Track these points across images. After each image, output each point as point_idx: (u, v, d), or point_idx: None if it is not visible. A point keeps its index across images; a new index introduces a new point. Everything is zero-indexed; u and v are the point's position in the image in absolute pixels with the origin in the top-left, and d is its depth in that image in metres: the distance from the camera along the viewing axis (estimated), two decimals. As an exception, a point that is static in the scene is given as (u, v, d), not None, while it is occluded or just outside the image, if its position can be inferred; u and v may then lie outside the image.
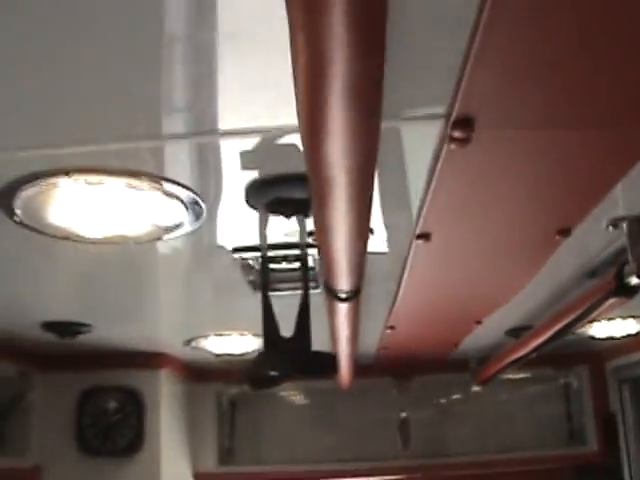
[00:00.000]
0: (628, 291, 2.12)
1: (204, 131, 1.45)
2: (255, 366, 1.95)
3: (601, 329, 3.59)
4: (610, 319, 3.44)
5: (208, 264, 2.36)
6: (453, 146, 1.37)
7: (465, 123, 1.31)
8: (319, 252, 1.68)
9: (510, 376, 4.45)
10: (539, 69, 1.18)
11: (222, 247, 2.13)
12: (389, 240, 2.11)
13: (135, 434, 3.98)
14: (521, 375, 4.60)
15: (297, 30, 0.80)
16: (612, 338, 3.71)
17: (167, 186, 1.62)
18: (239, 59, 1.22)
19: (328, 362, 2.12)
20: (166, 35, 1.15)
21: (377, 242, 2.08)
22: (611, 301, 2.24)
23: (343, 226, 1.33)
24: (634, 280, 2.04)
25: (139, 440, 3.97)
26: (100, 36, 1.12)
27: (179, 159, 1.55)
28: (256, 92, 1.30)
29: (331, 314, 2.11)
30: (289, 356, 1.87)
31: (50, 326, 3.11)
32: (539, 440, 4.68)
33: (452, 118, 1.31)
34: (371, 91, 0.92)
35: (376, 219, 1.91)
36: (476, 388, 4.51)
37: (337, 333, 2.35)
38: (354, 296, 1.92)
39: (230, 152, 1.52)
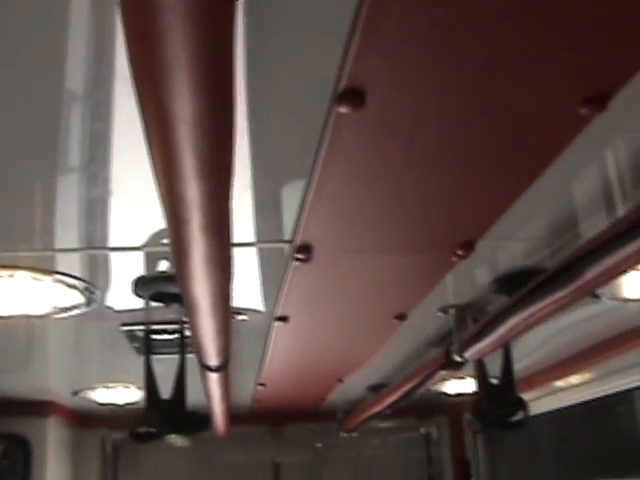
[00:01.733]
0: (455, 365, 2.53)
1: (95, 247, 1.78)
2: (137, 423, 2.29)
3: (452, 386, 4.02)
4: (460, 378, 3.84)
5: (98, 333, 2.64)
6: (297, 263, 1.75)
7: (305, 249, 1.69)
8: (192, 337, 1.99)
9: (380, 424, 4.84)
10: (363, 214, 1.56)
11: (112, 321, 2.42)
12: (255, 319, 2.44)
13: (22, 480, 4.05)
14: (389, 423, 4.96)
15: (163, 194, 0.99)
16: (462, 394, 4.10)
17: (66, 279, 1.94)
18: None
19: (202, 421, 2.47)
20: (61, 185, 1.46)
21: (245, 318, 2.42)
22: (443, 372, 2.66)
23: (209, 327, 1.66)
24: (458, 358, 2.46)
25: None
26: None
27: (77, 262, 1.88)
28: (140, 222, 1.65)
29: (204, 379, 2.41)
30: (167, 415, 2.21)
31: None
32: (405, 482, 5.13)
33: (295, 244, 1.69)
34: (223, 228, 1.12)
35: (244, 304, 2.27)
36: (345, 435, 4.79)
37: (211, 393, 2.67)
38: (223, 367, 2.24)
39: (118, 259, 1.86)
